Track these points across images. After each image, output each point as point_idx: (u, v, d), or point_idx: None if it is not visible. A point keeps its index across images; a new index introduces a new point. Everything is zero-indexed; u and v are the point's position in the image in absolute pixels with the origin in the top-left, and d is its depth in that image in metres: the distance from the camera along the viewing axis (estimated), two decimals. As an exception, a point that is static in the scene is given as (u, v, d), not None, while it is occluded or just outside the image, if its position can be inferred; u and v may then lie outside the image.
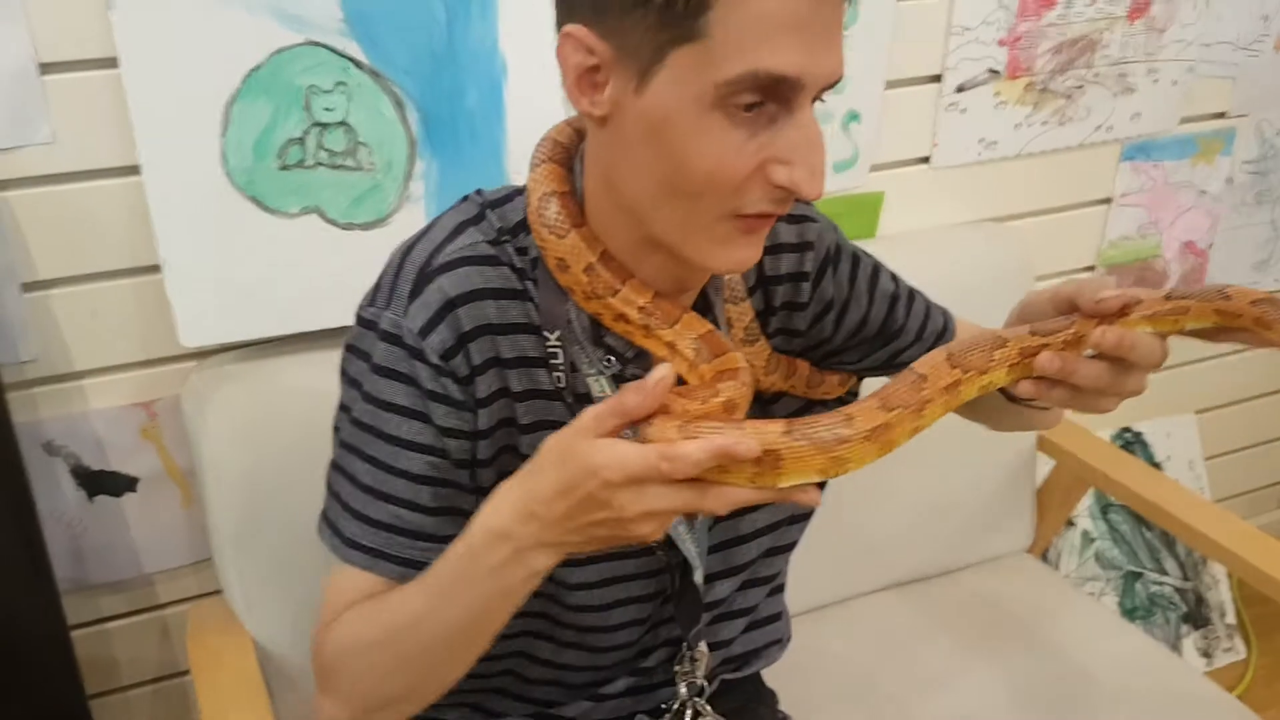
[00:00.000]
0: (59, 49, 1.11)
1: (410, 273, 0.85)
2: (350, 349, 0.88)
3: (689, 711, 1.00)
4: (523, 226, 0.87)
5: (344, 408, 0.89)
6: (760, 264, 0.96)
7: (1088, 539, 1.96)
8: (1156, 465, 2.01)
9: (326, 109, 1.19)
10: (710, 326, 0.84)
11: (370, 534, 0.86)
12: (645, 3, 0.70)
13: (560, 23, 0.77)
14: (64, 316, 1.23)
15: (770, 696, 1.19)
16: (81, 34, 1.11)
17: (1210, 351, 2.00)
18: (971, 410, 1.09)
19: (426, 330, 0.83)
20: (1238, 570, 1.44)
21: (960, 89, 1.54)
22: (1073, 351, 0.80)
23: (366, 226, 1.25)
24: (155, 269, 1.20)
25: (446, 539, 0.83)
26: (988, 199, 1.67)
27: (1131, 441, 2.00)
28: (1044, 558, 1.92)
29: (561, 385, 0.88)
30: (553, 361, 0.87)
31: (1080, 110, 1.62)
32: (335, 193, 1.22)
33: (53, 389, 1.25)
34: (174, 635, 1.43)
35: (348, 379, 0.88)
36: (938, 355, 0.78)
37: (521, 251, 0.87)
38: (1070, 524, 1.95)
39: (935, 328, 1.07)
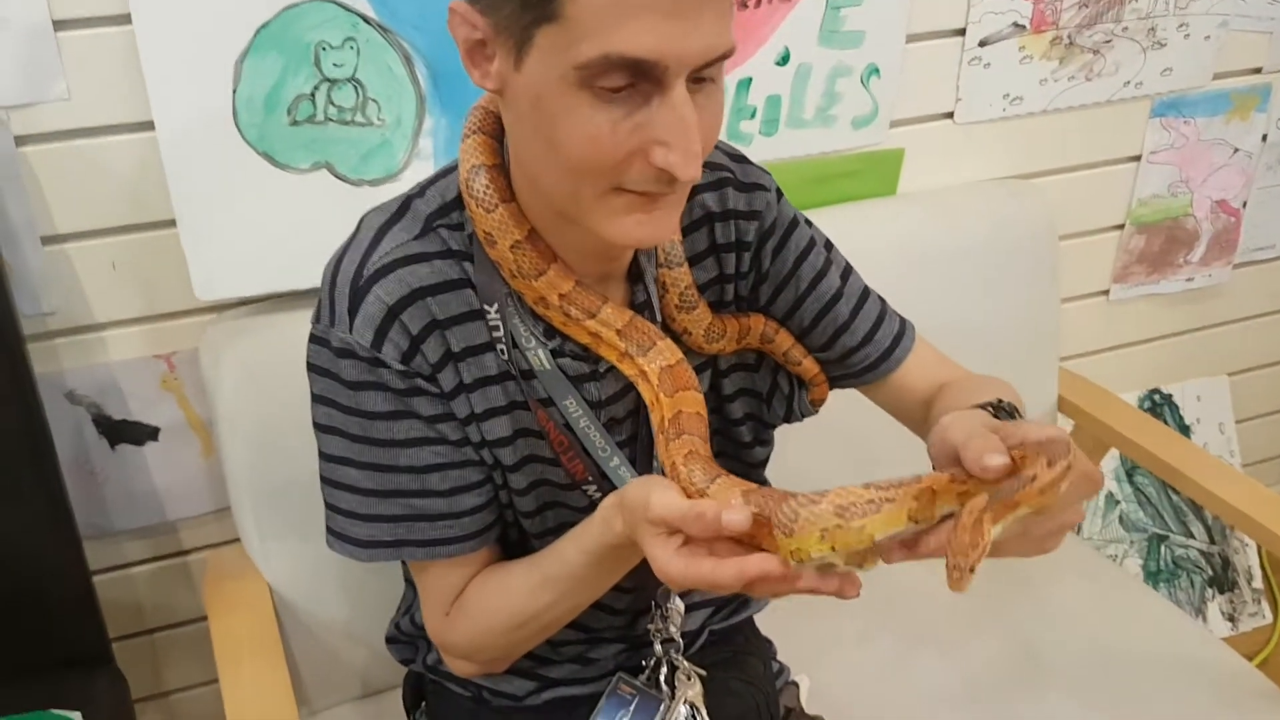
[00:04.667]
0: (73, 6, 1.12)
1: (344, 287, 0.85)
2: (312, 367, 0.89)
3: (664, 667, 1.01)
4: (459, 202, 0.87)
5: (322, 427, 0.90)
6: (712, 230, 0.95)
7: (1112, 501, 1.94)
8: (1186, 428, 1.98)
9: (336, 65, 1.19)
10: (631, 315, 0.85)
11: (388, 529, 0.90)
12: None
13: None
14: (83, 269, 1.25)
15: (766, 646, 1.20)
16: (94, -10, 1.12)
17: (1243, 312, 1.96)
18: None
19: (378, 342, 0.84)
20: (1260, 538, 1.41)
21: (983, 43, 1.51)
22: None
23: (376, 182, 1.26)
24: (172, 223, 1.22)
25: (467, 512, 0.89)
26: (1013, 156, 1.64)
27: (1160, 403, 1.97)
28: (1065, 519, 1.91)
29: (506, 361, 0.88)
30: (495, 337, 0.88)
31: (1109, 65, 1.58)
32: (345, 148, 1.23)
33: (74, 340, 1.28)
34: (197, 581, 1.46)
35: (316, 397, 0.90)
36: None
37: (457, 228, 0.87)
38: (1094, 485, 1.93)
39: (890, 331, 1.01)
